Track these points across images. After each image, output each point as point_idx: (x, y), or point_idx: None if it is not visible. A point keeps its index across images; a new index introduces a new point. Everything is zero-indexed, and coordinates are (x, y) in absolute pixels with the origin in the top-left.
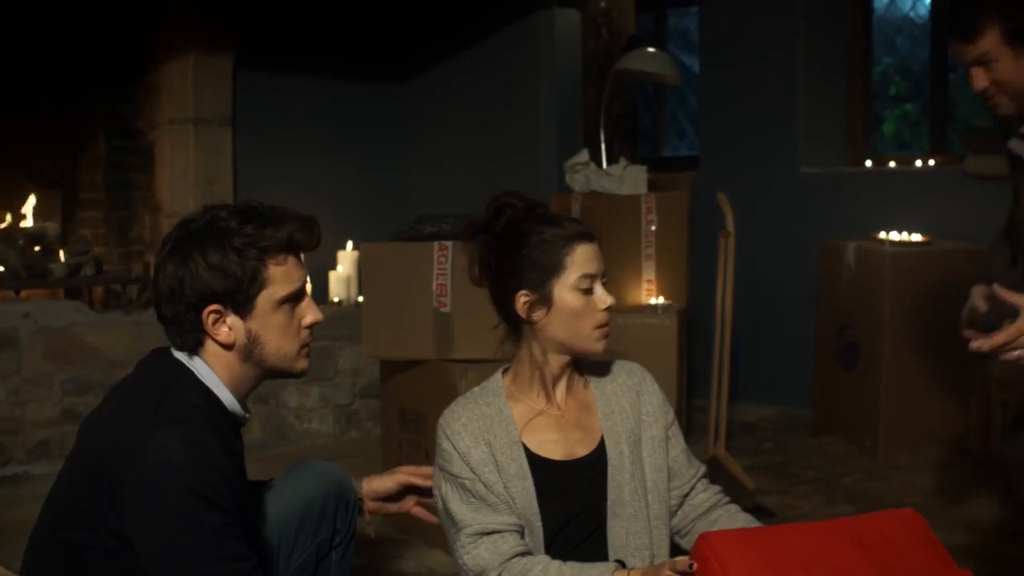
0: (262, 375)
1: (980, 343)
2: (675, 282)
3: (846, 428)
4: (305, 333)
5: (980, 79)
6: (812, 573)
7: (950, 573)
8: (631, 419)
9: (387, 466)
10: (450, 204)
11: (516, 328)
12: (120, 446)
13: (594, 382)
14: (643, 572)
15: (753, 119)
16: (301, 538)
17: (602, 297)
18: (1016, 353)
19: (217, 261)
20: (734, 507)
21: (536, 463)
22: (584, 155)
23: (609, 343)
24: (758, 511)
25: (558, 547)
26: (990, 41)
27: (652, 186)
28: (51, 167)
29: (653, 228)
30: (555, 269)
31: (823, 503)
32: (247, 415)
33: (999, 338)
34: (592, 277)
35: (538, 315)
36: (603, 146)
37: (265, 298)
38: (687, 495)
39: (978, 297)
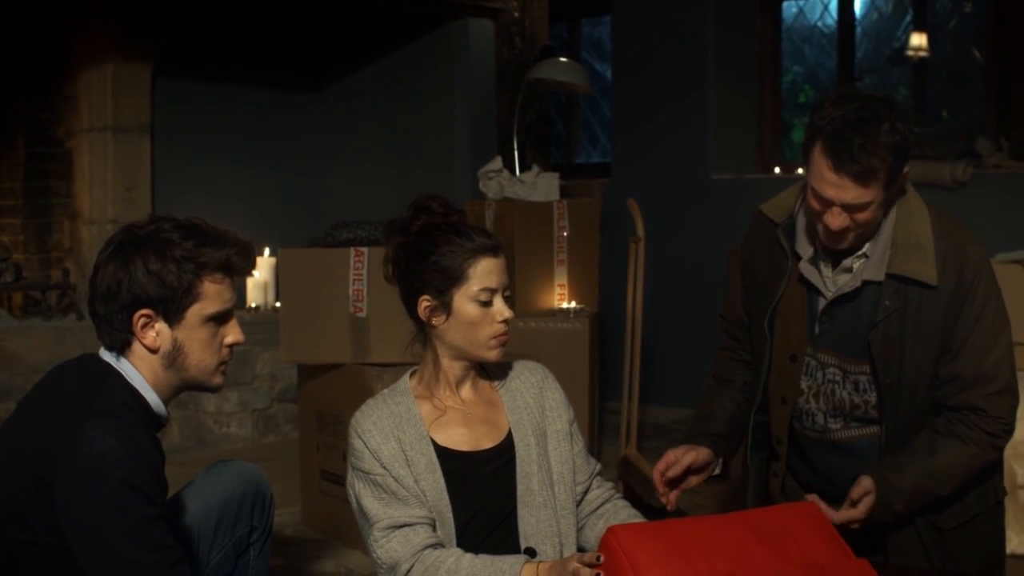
0: (181, 385)
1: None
2: (587, 287)
3: None
4: (225, 351)
5: (842, 219)
6: (714, 562)
7: (847, 562)
8: (536, 414)
9: (305, 469)
10: (366, 211)
11: (422, 330)
12: (53, 441)
13: (499, 380)
14: (551, 564)
15: (664, 126)
16: (220, 535)
17: (500, 310)
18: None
19: (157, 269)
20: (622, 502)
21: (444, 456)
22: (498, 162)
23: (523, 346)
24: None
25: (469, 537)
26: (878, 185)
27: (564, 193)
28: None
29: (565, 234)
30: (457, 279)
31: (733, 502)
32: (168, 417)
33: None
34: (492, 291)
35: (438, 320)
36: (516, 153)
37: (195, 312)
38: (585, 492)
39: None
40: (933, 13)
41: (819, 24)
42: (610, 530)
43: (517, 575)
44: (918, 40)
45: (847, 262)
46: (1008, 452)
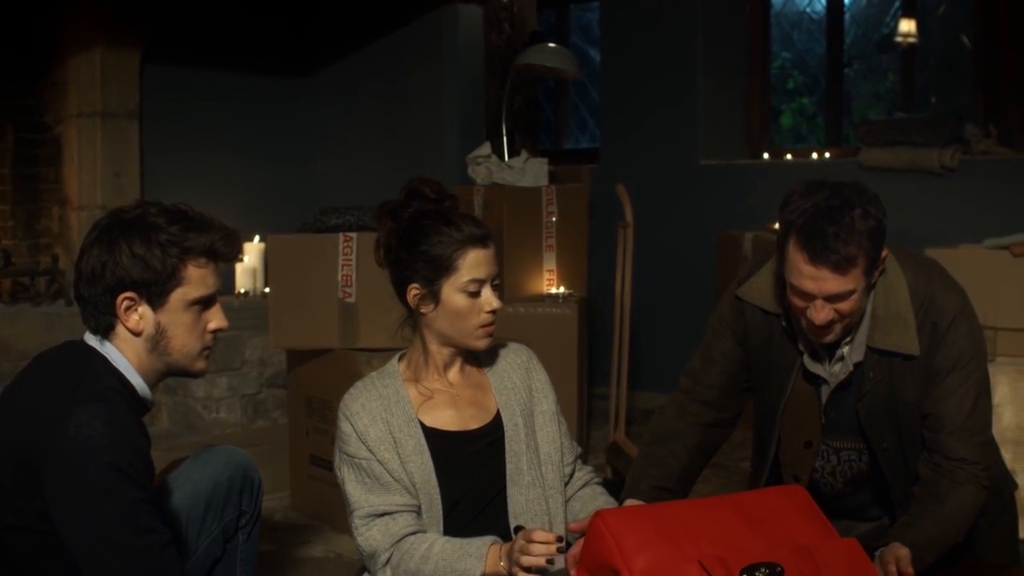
0: (164, 370)
1: None
2: (575, 272)
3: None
4: (209, 337)
5: (826, 312)
6: (701, 545)
7: (834, 543)
8: (523, 394)
9: (294, 454)
10: (354, 196)
11: (412, 314)
12: (39, 425)
13: (486, 362)
14: (510, 544)
15: (653, 112)
16: (208, 520)
17: (489, 300)
18: None
19: (141, 252)
20: (600, 488)
21: (432, 437)
22: (486, 148)
23: (511, 332)
24: None
25: (457, 518)
26: (859, 272)
27: (553, 178)
28: None
29: (554, 219)
30: (446, 270)
31: (722, 487)
32: (153, 401)
33: None
34: (480, 282)
35: (426, 309)
36: (505, 139)
37: (178, 296)
38: (571, 474)
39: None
40: None
41: (808, 10)
42: (597, 513)
43: (483, 557)
44: (907, 26)
45: (839, 352)
46: (996, 439)
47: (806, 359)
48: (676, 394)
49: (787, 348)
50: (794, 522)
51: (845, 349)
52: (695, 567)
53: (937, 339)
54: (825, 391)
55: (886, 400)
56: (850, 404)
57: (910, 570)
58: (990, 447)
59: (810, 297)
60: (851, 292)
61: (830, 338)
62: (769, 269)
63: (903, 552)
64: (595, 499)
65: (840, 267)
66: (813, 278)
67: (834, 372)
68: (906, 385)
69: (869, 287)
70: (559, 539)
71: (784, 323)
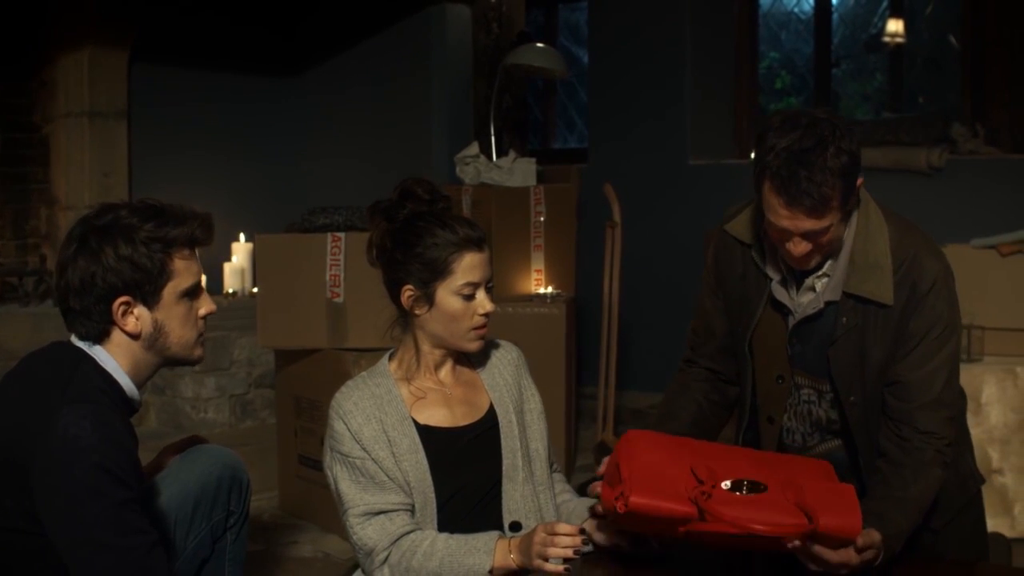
0: (161, 363)
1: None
2: (564, 272)
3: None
4: (201, 323)
5: (804, 245)
6: (701, 460)
7: (828, 484)
8: (514, 391)
9: (282, 454)
10: (343, 196)
11: (404, 314)
12: (27, 426)
13: (477, 361)
14: (520, 539)
15: (641, 112)
16: (196, 520)
17: (483, 303)
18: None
19: (128, 254)
20: (559, 475)
21: (426, 434)
22: (474, 148)
23: (499, 331)
24: None
25: (452, 514)
26: (835, 211)
27: (541, 178)
28: None
29: (542, 219)
30: (441, 273)
31: None
32: (141, 402)
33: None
34: (475, 285)
35: (420, 310)
36: (493, 139)
37: (171, 290)
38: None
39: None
40: None
41: (796, 10)
42: (626, 434)
43: (491, 551)
44: (894, 26)
45: (809, 281)
46: (983, 437)
47: (774, 286)
48: (680, 363)
49: (758, 278)
50: (801, 470)
51: (819, 283)
52: (686, 471)
53: (916, 301)
54: (791, 321)
55: (857, 351)
56: (815, 342)
57: (842, 558)
58: (956, 423)
59: (788, 234)
60: (828, 228)
61: (811, 266)
62: (751, 209)
63: (871, 539)
64: (555, 484)
65: (815, 210)
66: (789, 219)
67: (801, 303)
68: (876, 337)
69: (846, 215)
70: (582, 531)
71: (754, 253)
